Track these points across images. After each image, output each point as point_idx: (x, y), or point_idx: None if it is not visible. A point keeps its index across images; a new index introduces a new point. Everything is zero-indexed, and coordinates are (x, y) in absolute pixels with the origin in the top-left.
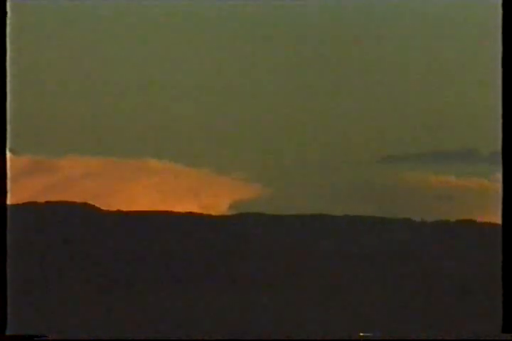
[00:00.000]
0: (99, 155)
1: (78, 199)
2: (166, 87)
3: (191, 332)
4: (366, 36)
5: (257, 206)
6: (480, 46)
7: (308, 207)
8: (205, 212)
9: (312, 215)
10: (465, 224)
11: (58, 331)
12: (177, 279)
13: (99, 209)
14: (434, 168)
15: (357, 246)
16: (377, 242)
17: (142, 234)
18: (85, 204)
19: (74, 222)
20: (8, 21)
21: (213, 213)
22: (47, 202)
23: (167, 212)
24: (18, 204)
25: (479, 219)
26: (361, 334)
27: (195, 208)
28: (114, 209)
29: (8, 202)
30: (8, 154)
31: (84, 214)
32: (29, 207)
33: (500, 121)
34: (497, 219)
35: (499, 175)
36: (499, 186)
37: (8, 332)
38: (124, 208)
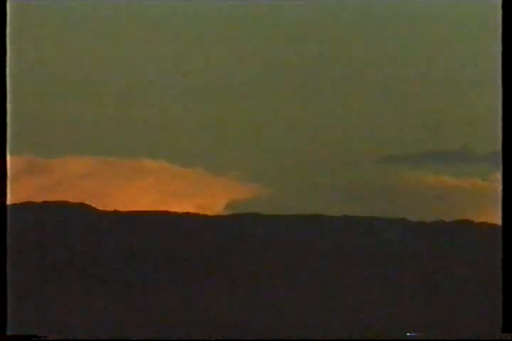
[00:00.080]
0: (95, 155)
1: (75, 200)
2: (163, 87)
3: (190, 332)
4: (366, 36)
5: (253, 206)
6: (480, 46)
7: (305, 207)
8: (201, 212)
9: (309, 215)
10: (462, 224)
11: (57, 331)
12: (174, 279)
13: (95, 210)
14: (432, 168)
15: (354, 246)
16: (375, 242)
17: (139, 234)
18: (82, 205)
19: (70, 222)
20: (8, 21)
21: (210, 213)
22: (43, 202)
23: (164, 212)
24: (14, 204)
25: (476, 219)
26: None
27: (191, 208)
28: (111, 209)
29: (9, 202)
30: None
31: (81, 214)
32: (26, 207)
33: (497, 121)
34: (494, 219)
35: (497, 176)
36: (496, 186)
37: (8, 332)
38: (121, 208)
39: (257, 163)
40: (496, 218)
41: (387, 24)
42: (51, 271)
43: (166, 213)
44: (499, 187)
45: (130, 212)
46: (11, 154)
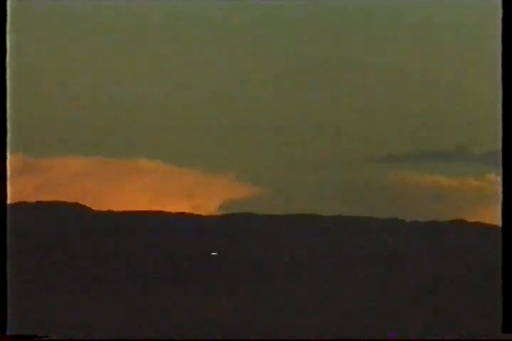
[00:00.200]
0: (90, 155)
1: (69, 200)
2: (160, 87)
3: (189, 332)
4: (365, 36)
5: (249, 206)
6: (480, 46)
7: (301, 207)
8: (196, 212)
9: (305, 215)
10: (457, 224)
11: (56, 331)
12: (170, 279)
13: (90, 209)
14: (429, 168)
15: (350, 246)
16: (370, 242)
17: (133, 233)
18: (76, 205)
19: (64, 222)
20: (8, 21)
21: (205, 213)
22: (37, 202)
23: (159, 212)
24: (10, 204)
25: (471, 219)
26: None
27: (186, 208)
28: (105, 209)
29: (9, 202)
30: (9, 155)
31: (75, 214)
32: (22, 207)
33: (495, 122)
34: (490, 219)
35: (493, 176)
36: (492, 186)
37: (8, 332)
38: (116, 208)
39: (253, 163)
40: (493, 218)
41: (387, 24)
42: (44, 271)
43: (160, 213)
44: (495, 187)
45: (125, 212)
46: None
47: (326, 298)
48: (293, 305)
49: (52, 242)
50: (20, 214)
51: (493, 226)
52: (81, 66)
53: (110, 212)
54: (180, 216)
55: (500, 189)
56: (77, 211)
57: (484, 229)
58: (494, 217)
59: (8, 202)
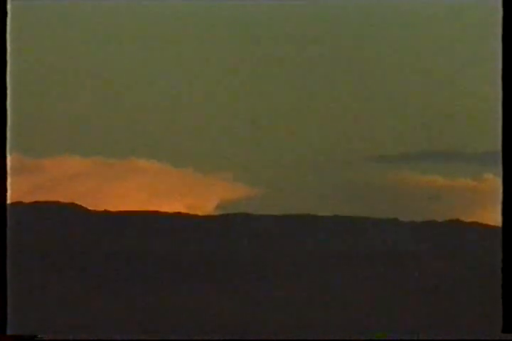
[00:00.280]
0: (86, 155)
1: (65, 200)
2: (154, 86)
3: (189, 332)
4: (365, 36)
5: (244, 206)
6: (480, 46)
7: (296, 207)
8: (193, 212)
9: (300, 215)
10: (454, 224)
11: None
12: (165, 278)
13: (86, 209)
14: (425, 168)
15: (346, 246)
16: (367, 242)
17: (129, 233)
18: (72, 204)
19: (61, 221)
20: (8, 21)
21: (201, 213)
22: (34, 202)
23: (154, 211)
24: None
25: (468, 219)
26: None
27: (182, 208)
28: (102, 209)
29: (9, 201)
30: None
31: (72, 214)
32: (16, 207)
33: (491, 121)
34: (486, 219)
35: (489, 176)
36: (489, 186)
37: (8, 332)
38: (112, 208)
39: (249, 163)
40: (490, 218)
41: (385, 24)
42: (39, 271)
43: (156, 213)
44: (492, 187)
45: (121, 211)
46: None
47: (324, 298)
48: (290, 306)
49: (48, 242)
50: (16, 214)
51: (491, 227)
52: (80, 66)
53: (106, 212)
54: (177, 216)
55: (497, 189)
56: (73, 211)
57: (481, 229)
58: (491, 217)
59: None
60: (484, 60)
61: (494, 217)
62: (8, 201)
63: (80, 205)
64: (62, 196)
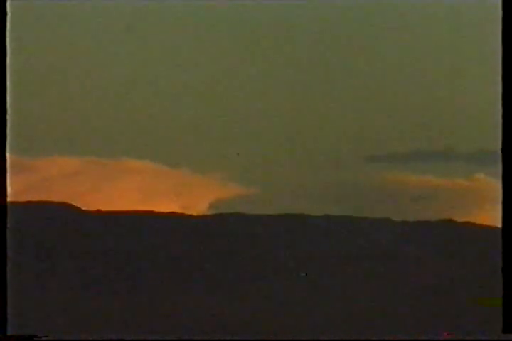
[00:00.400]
0: (79, 155)
1: (58, 199)
2: (149, 87)
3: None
4: (364, 35)
5: (238, 206)
6: (480, 46)
7: (288, 207)
8: (186, 212)
9: (292, 215)
10: (447, 224)
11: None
12: (160, 278)
13: (79, 209)
14: (416, 168)
15: (338, 246)
16: (360, 242)
17: (123, 233)
18: (65, 204)
19: (54, 221)
20: (8, 21)
21: (194, 213)
22: (27, 202)
23: (148, 211)
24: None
25: (461, 218)
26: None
27: (176, 208)
28: (95, 209)
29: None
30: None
31: (65, 213)
32: (11, 207)
33: (485, 121)
34: (479, 218)
35: (481, 175)
36: (482, 186)
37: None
38: (105, 208)
39: (242, 163)
40: (483, 218)
41: (386, 24)
42: (35, 270)
43: (150, 213)
44: (485, 186)
45: (114, 211)
46: None
47: (316, 298)
48: (282, 305)
49: (41, 242)
50: (10, 214)
51: (484, 226)
52: (77, 66)
53: (99, 212)
54: (171, 216)
55: (488, 188)
56: (66, 211)
57: (474, 229)
58: (485, 216)
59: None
60: (483, 60)
61: (487, 217)
62: (9, 200)
63: (73, 205)
64: (55, 196)
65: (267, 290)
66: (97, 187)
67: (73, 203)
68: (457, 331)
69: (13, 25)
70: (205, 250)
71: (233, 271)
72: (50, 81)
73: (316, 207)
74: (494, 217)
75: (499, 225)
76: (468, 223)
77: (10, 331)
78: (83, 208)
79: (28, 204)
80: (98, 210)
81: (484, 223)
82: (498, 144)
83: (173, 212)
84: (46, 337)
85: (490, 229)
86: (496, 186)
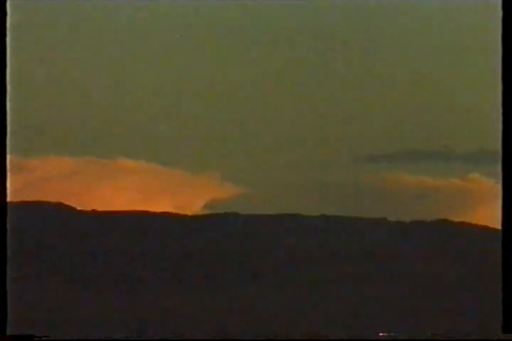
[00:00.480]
0: (75, 155)
1: (53, 199)
2: (145, 88)
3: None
4: (362, 35)
5: (232, 205)
6: (480, 46)
7: (283, 206)
8: (181, 212)
9: (288, 215)
10: (442, 224)
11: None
12: (154, 278)
13: (74, 209)
14: (411, 168)
15: (333, 246)
16: (354, 242)
17: (118, 233)
18: (60, 204)
19: (49, 221)
20: (8, 21)
21: (189, 213)
22: (22, 202)
23: (143, 211)
24: None
25: (456, 218)
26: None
27: (171, 208)
28: (89, 208)
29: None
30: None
31: (60, 213)
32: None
33: (479, 121)
34: (474, 218)
35: (476, 175)
36: (476, 186)
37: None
38: (100, 208)
39: (236, 163)
40: (478, 217)
41: (386, 24)
42: (29, 270)
43: (145, 213)
44: (479, 186)
45: (109, 211)
46: None
47: (312, 296)
48: (278, 304)
49: (36, 242)
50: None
51: (479, 226)
52: (77, 66)
53: (94, 212)
54: (166, 215)
55: (483, 188)
56: (61, 210)
57: (469, 228)
58: (480, 216)
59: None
60: (484, 60)
61: (482, 216)
62: (8, 200)
63: (68, 205)
64: (50, 196)
65: (263, 289)
66: (92, 187)
67: (68, 203)
68: (457, 331)
69: (13, 25)
70: (200, 250)
71: (229, 270)
72: (47, 81)
73: (313, 207)
74: (489, 217)
75: (494, 225)
76: (463, 223)
77: (10, 331)
78: (78, 208)
79: (24, 204)
80: (93, 210)
81: (479, 223)
82: (493, 144)
83: (168, 212)
84: (46, 337)
85: (485, 228)
86: (490, 186)
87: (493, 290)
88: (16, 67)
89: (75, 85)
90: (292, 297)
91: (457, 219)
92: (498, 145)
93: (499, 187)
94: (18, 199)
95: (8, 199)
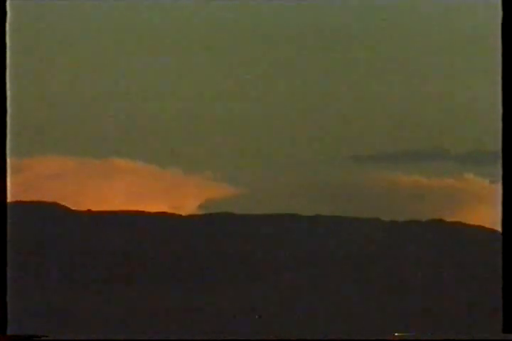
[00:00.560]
0: (70, 155)
1: (48, 199)
2: (140, 88)
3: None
4: (361, 35)
5: (227, 206)
6: (480, 46)
7: (278, 206)
8: (176, 212)
9: (282, 215)
10: (437, 224)
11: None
12: (149, 278)
13: (69, 209)
14: (405, 168)
15: (327, 246)
16: (348, 242)
17: (113, 233)
18: (56, 204)
19: (43, 221)
20: (8, 21)
21: (184, 213)
22: (17, 202)
23: (138, 212)
24: None
25: (451, 218)
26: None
27: (166, 208)
28: (85, 209)
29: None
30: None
31: (55, 214)
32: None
33: (474, 121)
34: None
35: (470, 176)
36: (471, 186)
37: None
38: (95, 208)
39: (231, 163)
40: (472, 217)
41: (385, 23)
42: (24, 271)
43: (140, 213)
44: (474, 187)
45: (104, 211)
46: None
47: (308, 296)
48: (271, 305)
49: (31, 242)
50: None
51: (473, 226)
52: (76, 67)
53: (89, 212)
54: (160, 216)
55: (477, 188)
56: (56, 211)
57: (464, 228)
58: (474, 216)
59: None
60: (484, 60)
61: (477, 216)
62: (9, 200)
63: (63, 205)
64: (45, 196)
65: (257, 289)
66: (87, 188)
67: (63, 203)
68: (457, 331)
69: (13, 25)
70: (195, 250)
71: (223, 270)
72: (45, 81)
73: (307, 207)
74: (484, 217)
75: (489, 224)
76: (458, 223)
77: (10, 331)
78: (73, 208)
79: (18, 204)
80: (88, 210)
81: (474, 222)
82: (489, 145)
83: (163, 212)
84: (46, 337)
85: (480, 228)
86: (485, 186)
87: (491, 290)
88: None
89: (72, 85)
90: (292, 297)
91: (452, 218)
92: (493, 145)
93: (494, 187)
94: (12, 199)
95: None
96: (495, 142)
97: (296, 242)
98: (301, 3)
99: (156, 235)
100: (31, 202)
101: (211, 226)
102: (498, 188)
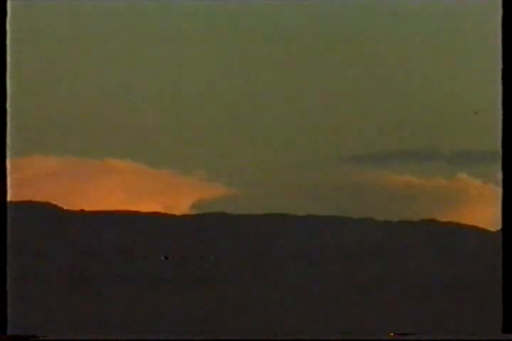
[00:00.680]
0: (61, 154)
1: (40, 199)
2: (133, 86)
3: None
4: (360, 35)
5: (221, 205)
6: (480, 46)
7: (272, 206)
8: (169, 211)
9: (276, 215)
10: (429, 224)
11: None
12: (144, 279)
13: (61, 209)
14: (398, 168)
15: (321, 246)
16: (342, 242)
17: (106, 233)
18: (48, 204)
19: (36, 221)
20: (8, 21)
21: (177, 213)
22: (8, 202)
23: (130, 212)
24: None
25: (443, 218)
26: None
27: (159, 208)
28: (77, 208)
29: (9, 199)
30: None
31: (47, 213)
32: None
33: (469, 121)
34: (463, 218)
35: (463, 175)
36: (464, 186)
37: (8, 332)
38: (87, 208)
39: (224, 163)
40: (466, 217)
41: (383, 23)
42: (16, 272)
43: (133, 213)
44: (467, 186)
45: (97, 211)
46: None
47: (301, 299)
48: (264, 308)
49: (24, 243)
50: None
51: (467, 226)
52: (75, 67)
53: (82, 212)
54: (154, 216)
55: (471, 189)
56: (48, 211)
57: (457, 228)
58: (467, 216)
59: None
60: (484, 60)
61: (471, 217)
62: (8, 199)
63: (55, 205)
64: (37, 196)
65: (251, 291)
66: (79, 187)
67: (56, 203)
68: (456, 331)
69: (13, 25)
70: (189, 250)
71: (217, 271)
72: (43, 80)
73: (300, 207)
74: (477, 217)
75: (483, 224)
76: (451, 223)
77: (10, 331)
78: (65, 208)
79: (9, 205)
80: (81, 210)
81: (467, 222)
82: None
83: (156, 212)
84: (46, 336)
85: (474, 228)
86: (478, 186)
87: (489, 290)
88: (17, 67)
89: (69, 85)
90: (279, 297)
91: (445, 219)
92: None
93: (488, 187)
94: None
95: None
96: (495, 142)
97: (289, 242)
98: (301, 3)
99: (150, 235)
100: (23, 202)
101: (205, 226)
102: (491, 188)
